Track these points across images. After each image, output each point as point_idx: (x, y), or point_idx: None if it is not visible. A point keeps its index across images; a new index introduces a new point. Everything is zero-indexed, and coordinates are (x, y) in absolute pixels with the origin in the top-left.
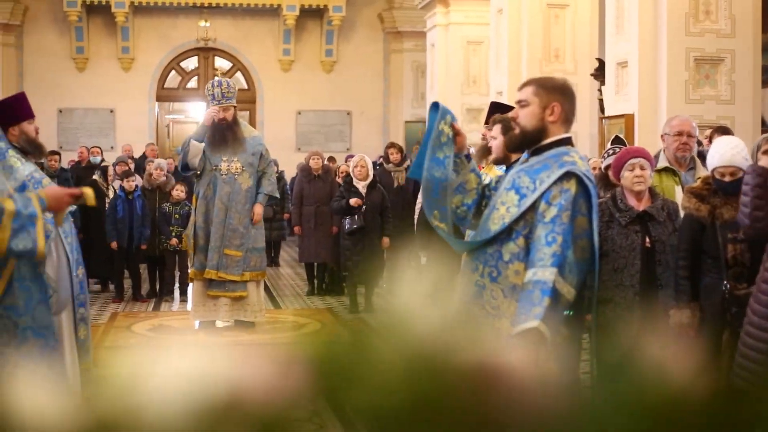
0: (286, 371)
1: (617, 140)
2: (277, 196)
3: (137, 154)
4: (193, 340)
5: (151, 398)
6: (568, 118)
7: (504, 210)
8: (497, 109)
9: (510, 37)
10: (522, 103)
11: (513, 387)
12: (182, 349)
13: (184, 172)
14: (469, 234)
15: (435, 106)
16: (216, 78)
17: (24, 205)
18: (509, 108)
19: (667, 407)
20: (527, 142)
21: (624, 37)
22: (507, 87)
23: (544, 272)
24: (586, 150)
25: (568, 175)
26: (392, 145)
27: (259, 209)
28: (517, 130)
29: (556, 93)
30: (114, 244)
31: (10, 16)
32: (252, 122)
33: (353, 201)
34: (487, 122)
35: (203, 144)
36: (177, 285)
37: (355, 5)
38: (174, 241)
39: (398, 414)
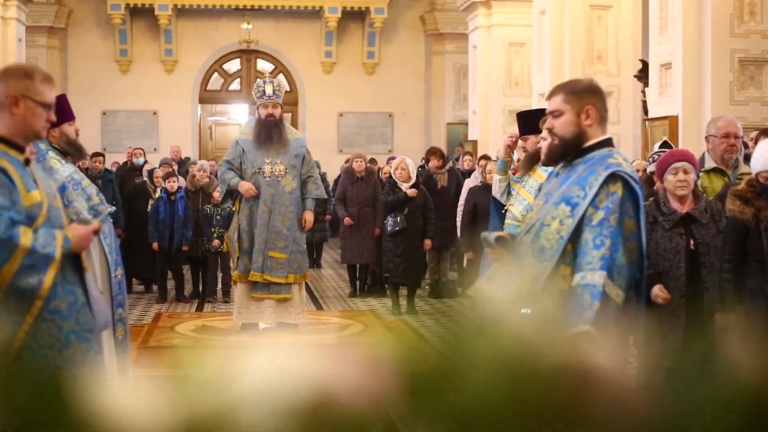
0: (372, 373)
1: (665, 145)
2: (325, 197)
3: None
4: (270, 342)
5: (240, 399)
6: (603, 117)
7: (557, 224)
8: (527, 117)
9: (552, 38)
10: (555, 114)
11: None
12: (261, 351)
13: (224, 204)
14: None
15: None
16: (267, 78)
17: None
18: (538, 112)
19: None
20: (569, 151)
21: (667, 38)
22: (549, 89)
23: (593, 276)
24: (629, 152)
25: (614, 178)
26: (433, 152)
27: (309, 216)
28: (555, 141)
29: (587, 95)
30: (155, 245)
31: (54, 19)
32: (294, 124)
33: (411, 192)
34: (522, 134)
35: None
36: (220, 286)
37: (396, 7)
38: (216, 242)
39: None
